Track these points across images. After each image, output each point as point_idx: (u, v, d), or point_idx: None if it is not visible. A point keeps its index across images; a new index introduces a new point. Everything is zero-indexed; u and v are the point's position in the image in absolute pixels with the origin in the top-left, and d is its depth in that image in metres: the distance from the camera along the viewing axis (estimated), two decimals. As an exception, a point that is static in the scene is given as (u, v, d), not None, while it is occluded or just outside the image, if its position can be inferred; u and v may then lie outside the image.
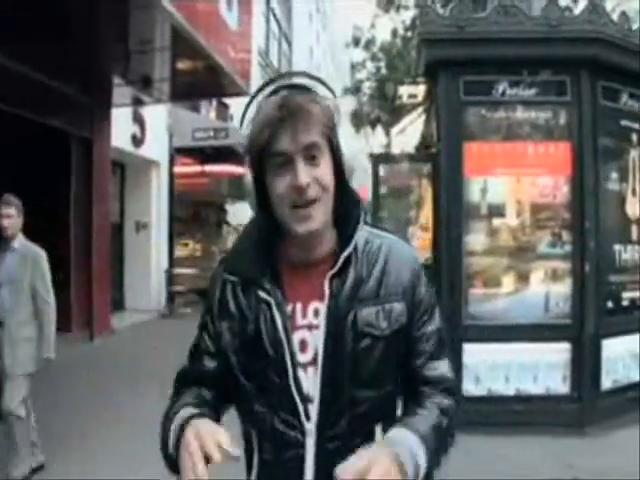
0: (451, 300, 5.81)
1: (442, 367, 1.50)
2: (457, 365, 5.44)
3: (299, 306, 1.44)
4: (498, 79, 5.86)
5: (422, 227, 8.44)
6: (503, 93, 5.86)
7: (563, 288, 5.88)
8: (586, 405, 5.74)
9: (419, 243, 9.14)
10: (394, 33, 16.57)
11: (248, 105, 1.43)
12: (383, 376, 1.42)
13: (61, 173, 9.94)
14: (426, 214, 7.85)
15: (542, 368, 5.73)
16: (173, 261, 14.99)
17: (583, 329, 5.76)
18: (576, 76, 5.85)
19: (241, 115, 1.45)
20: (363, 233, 1.48)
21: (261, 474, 1.45)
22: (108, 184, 11.42)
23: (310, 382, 1.39)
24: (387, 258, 1.47)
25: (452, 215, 5.91)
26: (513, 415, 5.61)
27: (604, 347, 5.90)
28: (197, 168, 16.46)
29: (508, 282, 6.06)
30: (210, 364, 1.51)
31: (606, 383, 5.94)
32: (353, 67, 18.67)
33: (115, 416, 6.33)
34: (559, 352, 5.79)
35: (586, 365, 5.79)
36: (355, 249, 1.45)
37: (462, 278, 5.89)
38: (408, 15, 15.78)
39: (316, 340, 1.40)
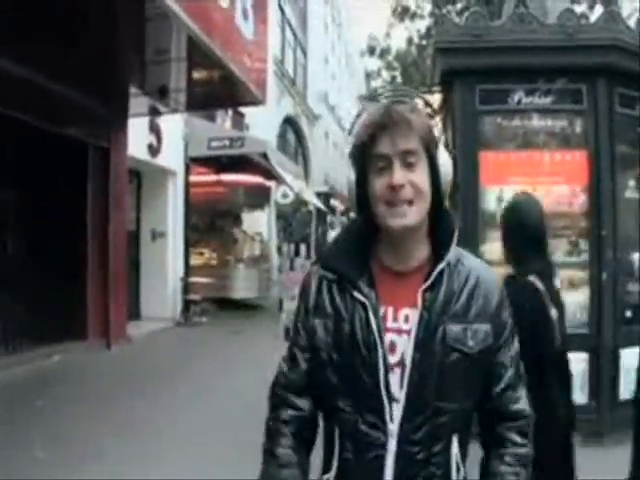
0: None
1: (520, 399, 1.59)
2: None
3: (390, 310, 1.51)
4: (514, 88, 5.83)
5: None
6: (519, 102, 5.84)
7: (580, 297, 5.82)
8: (604, 415, 5.68)
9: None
10: (409, 42, 16.58)
11: (358, 116, 1.56)
12: (466, 392, 1.50)
13: (78, 182, 10.00)
14: None
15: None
16: (189, 270, 14.99)
17: (600, 339, 5.71)
18: (592, 84, 5.81)
19: (350, 125, 1.58)
20: (455, 252, 1.54)
21: (341, 472, 1.52)
22: (125, 193, 11.46)
23: (396, 381, 1.46)
24: (477, 281, 1.53)
25: (468, 224, 5.86)
26: (530, 425, 5.55)
27: (622, 357, 5.83)
28: (213, 177, 16.52)
29: (525, 292, 6.02)
30: (305, 365, 1.59)
31: (624, 393, 5.85)
32: (368, 76, 18.72)
33: (131, 424, 6.34)
34: (576, 362, 5.63)
35: (604, 375, 5.73)
36: (448, 265, 1.52)
37: None
38: (423, 24, 15.80)
39: (404, 344, 1.48)
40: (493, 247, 5.93)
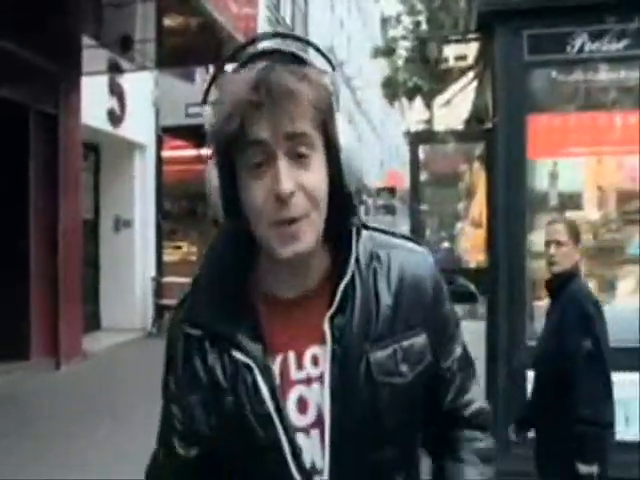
0: (511, 314, 5.74)
1: (474, 399, 1.55)
2: (519, 397, 5.29)
3: (292, 355, 1.39)
4: (574, 31, 5.68)
5: (474, 222, 8.48)
6: (581, 49, 5.68)
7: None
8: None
9: (470, 243, 9.08)
10: (437, -22, 16.50)
11: (212, 80, 1.39)
12: (407, 427, 1.43)
13: (17, 158, 9.92)
14: (479, 206, 7.84)
15: (637, 406, 5.45)
16: (162, 268, 15.07)
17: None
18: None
19: (203, 93, 1.39)
20: (366, 244, 1.43)
21: None
22: (79, 172, 11.40)
23: (316, 446, 1.36)
24: (400, 275, 1.42)
25: (512, 207, 5.81)
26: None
27: None
28: (191, 152, 16.46)
29: (587, 292, 5.91)
30: (184, 452, 1.45)
31: None
32: (385, 22, 18.64)
33: (84, 461, 6.27)
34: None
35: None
36: (358, 269, 1.39)
37: (525, 287, 5.81)
38: (455, -45, 15.67)
39: (318, 395, 1.37)
40: (544, 236, 5.85)
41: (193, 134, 15.60)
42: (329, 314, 1.36)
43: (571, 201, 5.99)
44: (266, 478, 1.36)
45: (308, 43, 1.38)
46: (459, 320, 1.55)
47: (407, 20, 17.17)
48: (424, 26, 16.47)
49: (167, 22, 10.17)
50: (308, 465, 1.35)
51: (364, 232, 1.44)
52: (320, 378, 1.36)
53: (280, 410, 1.34)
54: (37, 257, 10.13)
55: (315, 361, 1.38)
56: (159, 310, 14.21)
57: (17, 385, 9.04)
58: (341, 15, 36.54)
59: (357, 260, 1.39)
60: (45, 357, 10.12)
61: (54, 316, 10.26)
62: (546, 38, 5.82)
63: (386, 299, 1.39)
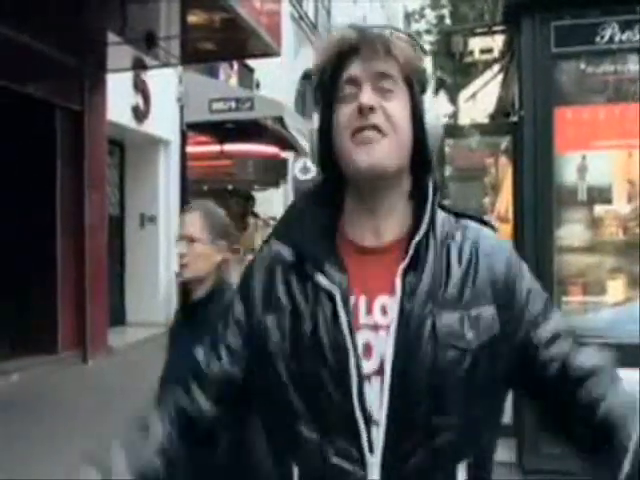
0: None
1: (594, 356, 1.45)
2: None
3: (363, 299, 1.42)
4: (604, 21, 5.61)
5: (500, 217, 8.40)
6: (611, 39, 5.61)
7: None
8: None
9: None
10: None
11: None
12: (468, 399, 1.39)
13: (44, 155, 9.99)
14: (505, 201, 7.74)
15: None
16: (186, 263, 14.97)
17: None
18: None
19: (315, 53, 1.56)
20: (442, 217, 1.49)
21: None
22: (104, 168, 11.47)
23: (375, 396, 1.36)
24: (474, 248, 1.47)
25: (540, 202, 5.75)
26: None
27: None
28: (215, 148, 16.53)
29: (616, 288, 5.87)
30: (228, 366, 1.50)
31: None
32: (408, 16, 18.58)
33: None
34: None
35: None
36: (433, 235, 1.44)
37: (553, 283, 5.69)
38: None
39: (382, 344, 1.38)
40: (573, 231, 5.89)
41: (217, 130, 15.72)
42: (402, 267, 1.39)
43: (600, 195, 5.86)
44: (328, 410, 1.36)
45: (407, 34, 1.50)
46: (549, 299, 1.51)
47: (431, 14, 17.13)
48: (448, 20, 16.41)
49: (191, 18, 10.12)
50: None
51: (442, 214, 1.50)
52: (387, 327, 1.38)
53: (354, 342, 1.35)
54: (64, 253, 10.22)
55: (384, 310, 1.40)
56: (183, 305, 14.31)
57: (46, 378, 9.11)
58: (364, 10, 36.42)
59: (434, 231, 1.45)
60: (72, 351, 10.23)
61: (81, 311, 10.37)
62: (574, 29, 5.75)
63: (456, 271, 1.43)
